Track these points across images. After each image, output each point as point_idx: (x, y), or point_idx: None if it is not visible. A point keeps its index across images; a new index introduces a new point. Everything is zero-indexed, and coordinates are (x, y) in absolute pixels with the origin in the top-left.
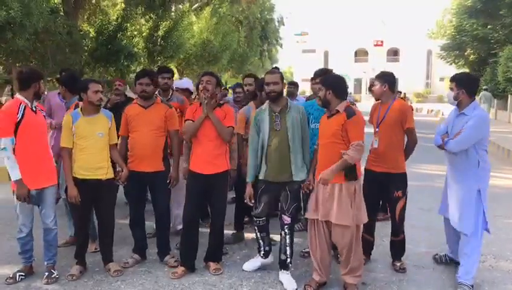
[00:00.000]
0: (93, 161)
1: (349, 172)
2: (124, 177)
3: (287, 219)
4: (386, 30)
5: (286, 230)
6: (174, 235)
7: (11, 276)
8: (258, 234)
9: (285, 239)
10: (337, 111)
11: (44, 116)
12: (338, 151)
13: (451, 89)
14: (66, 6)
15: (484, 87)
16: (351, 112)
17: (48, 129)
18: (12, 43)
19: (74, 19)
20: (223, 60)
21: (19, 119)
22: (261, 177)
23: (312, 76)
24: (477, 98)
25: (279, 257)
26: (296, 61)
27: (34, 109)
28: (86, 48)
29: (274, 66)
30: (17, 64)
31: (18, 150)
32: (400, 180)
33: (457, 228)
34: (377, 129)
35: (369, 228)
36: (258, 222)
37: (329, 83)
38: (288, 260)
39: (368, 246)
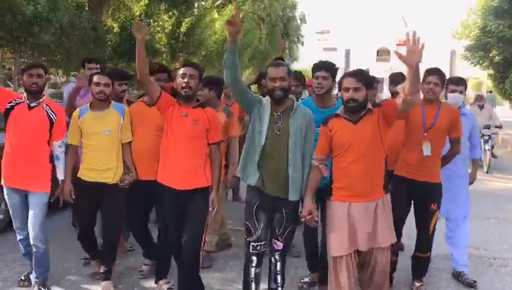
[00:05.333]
0: (98, 162)
1: (387, 182)
2: (128, 181)
3: (279, 244)
4: (409, 30)
5: (277, 257)
6: None
7: (23, 278)
8: (253, 270)
9: (276, 266)
10: (369, 110)
11: (49, 116)
12: (379, 162)
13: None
14: (91, 1)
15: (489, 90)
16: (377, 104)
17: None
18: (38, 38)
19: (99, 14)
20: (244, 57)
21: (4, 111)
22: (252, 183)
23: (314, 68)
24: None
25: (269, 285)
26: (317, 60)
27: (31, 105)
28: (109, 43)
29: (274, 58)
30: (43, 59)
31: (5, 141)
32: (437, 190)
33: (458, 215)
34: (425, 134)
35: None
36: (258, 247)
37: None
38: (280, 289)
39: (391, 268)
